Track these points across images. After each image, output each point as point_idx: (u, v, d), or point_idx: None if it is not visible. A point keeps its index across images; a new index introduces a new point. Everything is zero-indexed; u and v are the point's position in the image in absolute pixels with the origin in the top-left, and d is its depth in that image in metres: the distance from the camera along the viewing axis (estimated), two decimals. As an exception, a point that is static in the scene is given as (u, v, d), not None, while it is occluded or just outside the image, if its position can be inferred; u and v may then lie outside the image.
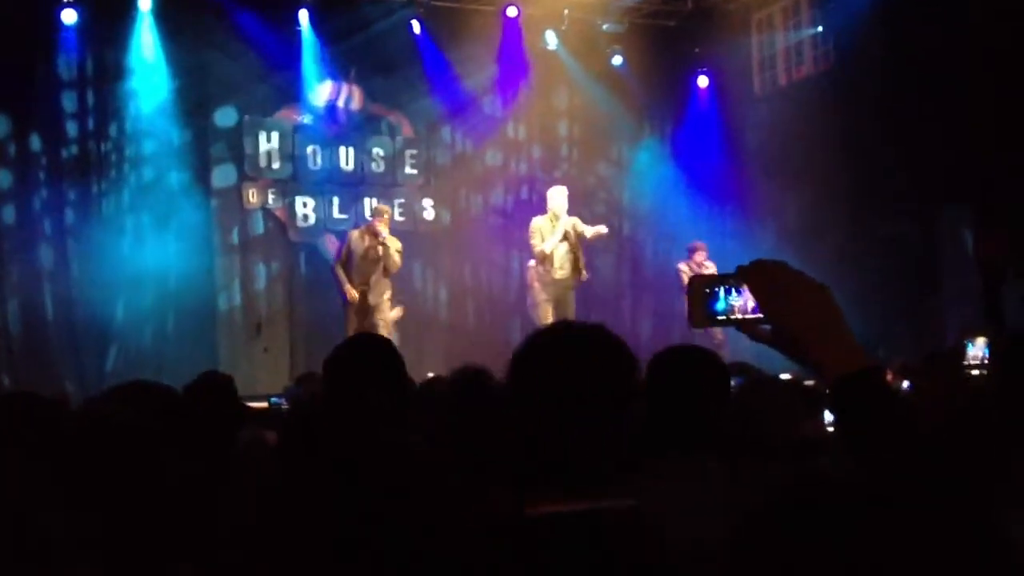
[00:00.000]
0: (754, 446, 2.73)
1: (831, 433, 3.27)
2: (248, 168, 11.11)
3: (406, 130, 11.85)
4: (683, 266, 10.38)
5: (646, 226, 12.71)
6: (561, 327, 2.02)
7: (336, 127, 11.46)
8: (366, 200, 11.33)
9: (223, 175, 11.04)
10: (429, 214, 11.85)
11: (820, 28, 11.59)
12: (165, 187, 10.62)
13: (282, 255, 11.32)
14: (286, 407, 6.00)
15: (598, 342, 1.78)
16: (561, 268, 9.58)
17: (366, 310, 9.50)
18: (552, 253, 9.53)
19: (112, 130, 10.62)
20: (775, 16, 12.23)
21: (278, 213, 11.23)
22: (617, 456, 1.68)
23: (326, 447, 1.55)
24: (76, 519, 1.54)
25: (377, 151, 11.68)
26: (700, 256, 10.36)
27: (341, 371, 3.01)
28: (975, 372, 5.32)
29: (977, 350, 5.89)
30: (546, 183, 10.91)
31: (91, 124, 10.51)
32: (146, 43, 10.48)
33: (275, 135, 11.24)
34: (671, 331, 10.51)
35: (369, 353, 3.13)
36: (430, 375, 5.56)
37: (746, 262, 1.45)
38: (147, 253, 10.33)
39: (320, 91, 11.33)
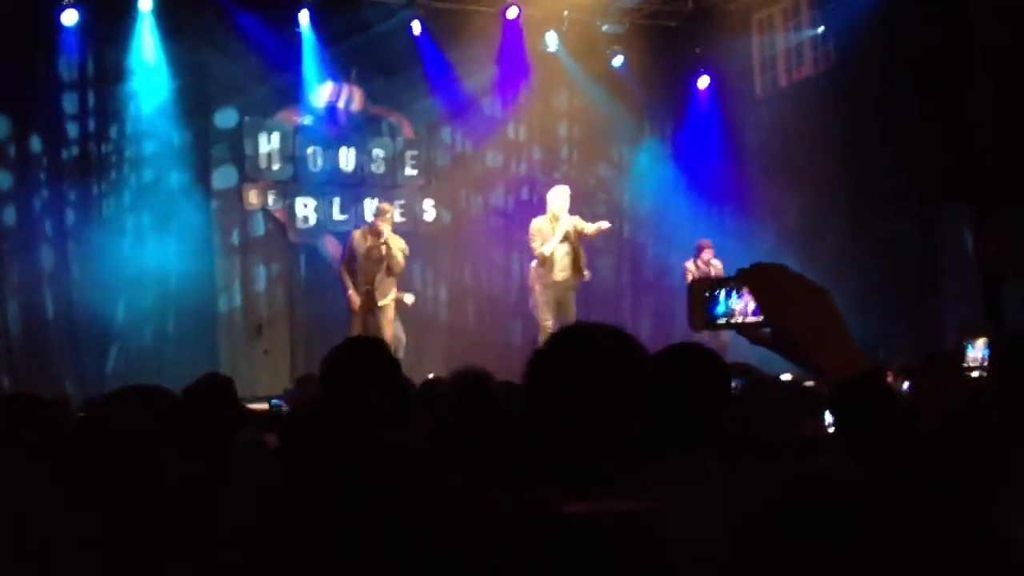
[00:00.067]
0: (754, 446, 2.73)
1: (831, 434, 3.27)
2: (248, 169, 11.11)
3: (406, 131, 11.85)
4: (689, 264, 10.40)
5: (647, 227, 12.71)
6: (580, 328, 2.02)
7: (336, 128, 11.46)
8: (366, 201, 11.33)
9: (223, 176, 11.04)
10: (429, 215, 11.85)
11: (820, 29, 11.59)
12: (165, 188, 10.62)
13: (282, 256, 11.32)
14: (286, 409, 6.01)
15: (618, 343, 1.79)
16: (562, 270, 9.58)
17: (372, 311, 9.49)
18: (552, 255, 9.52)
19: (112, 131, 10.62)
20: (775, 17, 12.23)
21: (278, 214, 11.23)
22: (618, 456, 1.68)
23: (326, 447, 1.55)
24: (76, 519, 1.54)
25: (377, 152, 11.68)
26: (707, 255, 10.37)
27: (337, 373, 3.02)
28: (975, 374, 5.32)
29: (977, 352, 5.90)
30: (546, 184, 10.91)
31: (91, 125, 10.51)
32: (147, 44, 10.48)
33: (275, 136, 11.24)
34: (671, 332, 10.52)
35: (364, 355, 3.14)
36: (430, 376, 5.57)
37: (746, 263, 1.45)
38: (147, 254, 10.33)
39: (321, 92, 11.34)
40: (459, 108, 11.92)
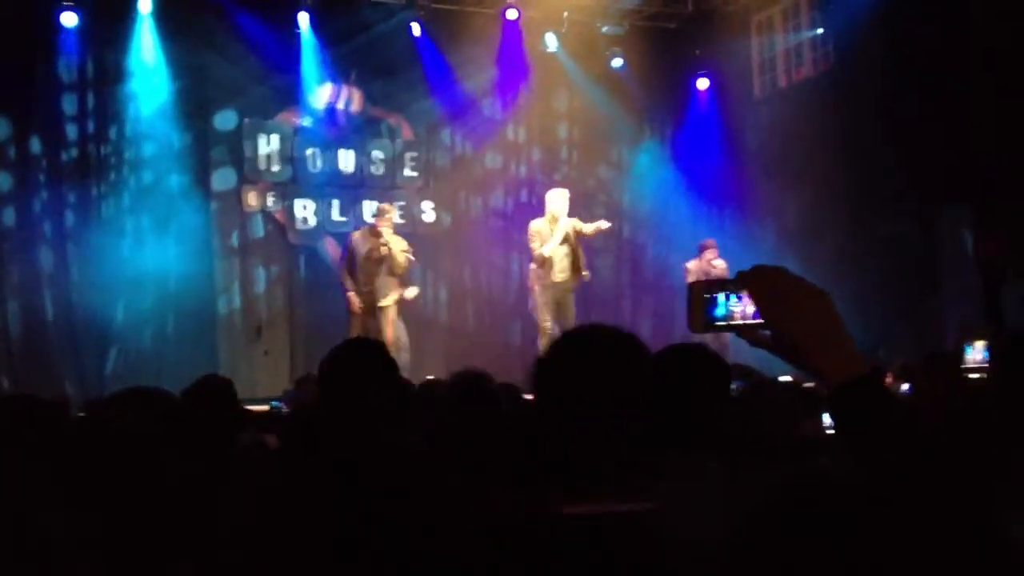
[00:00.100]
0: (754, 446, 2.73)
1: (830, 435, 3.27)
2: (248, 171, 11.11)
3: (406, 132, 11.86)
4: (692, 264, 10.39)
5: (646, 228, 12.72)
6: (581, 330, 2.02)
7: (336, 130, 11.47)
8: (366, 203, 11.33)
9: (223, 178, 11.04)
10: (429, 216, 11.85)
11: (820, 30, 11.60)
12: (165, 190, 10.62)
13: (282, 258, 11.32)
14: (286, 411, 6.01)
15: (618, 344, 1.79)
16: (561, 271, 9.57)
17: (373, 312, 9.47)
18: (551, 256, 9.52)
19: (112, 133, 10.63)
20: (775, 18, 12.24)
21: (278, 216, 11.23)
22: (618, 456, 1.68)
23: (326, 447, 1.55)
24: (76, 519, 1.54)
25: (377, 153, 11.68)
26: (710, 254, 10.36)
27: (336, 374, 3.02)
28: (974, 376, 5.31)
29: (976, 353, 5.89)
30: (546, 185, 10.91)
31: (91, 127, 10.52)
32: (146, 46, 10.49)
33: (275, 138, 11.24)
34: (671, 332, 10.51)
35: (364, 356, 3.14)
36: (430, 377, 5.56)
37: (746, 263, 1.46)
38: (147, 256, 10.33)
39: (320, 94, 11.34)
40: (459, 109, 11.93)
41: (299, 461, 1.62)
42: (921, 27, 9.43)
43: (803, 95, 11.50)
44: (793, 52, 12.00)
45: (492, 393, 3.00)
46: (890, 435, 1.32)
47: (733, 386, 2.73)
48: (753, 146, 12.15)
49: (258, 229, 11.23)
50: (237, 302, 11.10)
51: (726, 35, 12.27)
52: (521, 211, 11.70)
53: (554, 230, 9.55)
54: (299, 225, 11.28)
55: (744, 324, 1.45)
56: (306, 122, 11.36)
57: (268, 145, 11.20)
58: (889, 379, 5.65)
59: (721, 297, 1.47)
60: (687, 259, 10.60)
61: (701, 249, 10.49)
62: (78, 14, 10.10)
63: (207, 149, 10.94)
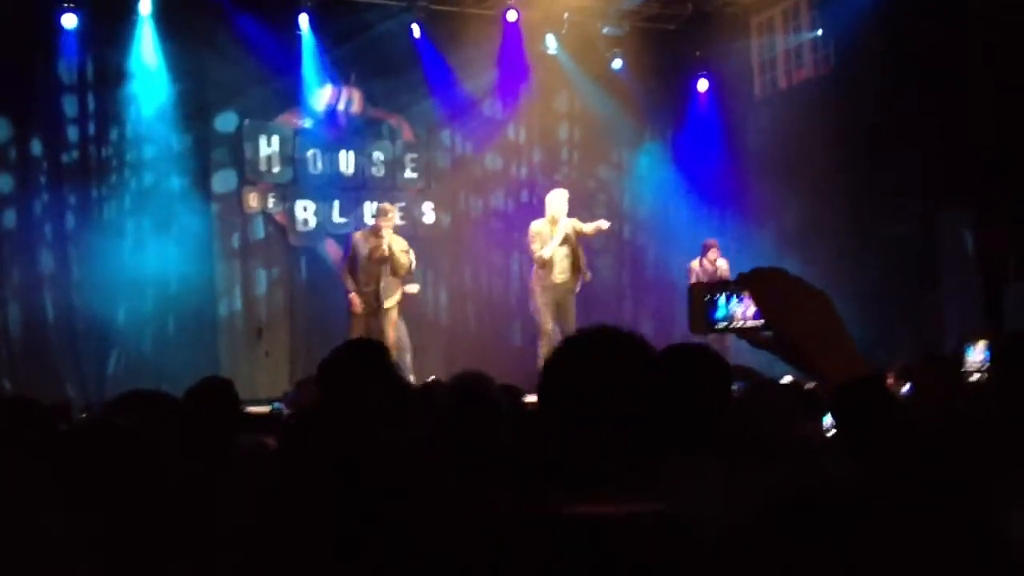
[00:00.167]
0: (755, 447, 2.72)
1: (830, 436, 3.28)
2: (248, 172, 11.10)
3: (406, 134, 11.85)
4: (694, 264, 10.42)
5: (647, 229, 12.72)
6: (581, 332, 2.02)
7: (336, 131, 11.46)
8: (366, 204, 11.32)
9: (223, 180, 11.04)
10: (429, 217, 11.85)
11: (820, 31, 11.60)
12: (165, 192, 10.61)
13: (283, 259, 11.31)
14: (287, 412, 6.01)
15: (619, 344, 1.79)
16: (561, 272, 9.58)
17: (375, 313, 9.45)
18: (552, 257, 9.52)
19: (112, 134, 10.62)
20: (775, 19, 12.24)
21: (278, 217, 11.23)
22: (618, 456, 1.68)
23: (326, 448, 1.55)
24: (76, 519, 1.54)
25: (377, 155, 11.68)
26: (713, 254, 10.42)
27: (336, 375, 3.02)
28: (975, 377, 5.31)
29: (976, 355, 5.88)
30: (546, 186, 10.90)
31: (91, 128, 10.51)
32: (146, 47, 10.48)
33: (275, 139, 11.24)
34: (672, 333, 10.51)
35: (364, 357, 3.14)
36: (430, 378, 5.57)
37: (747, 263, 1.46)
38: (147, 258, 10.32)
39: (320, 95, 11.34)
40: (459, 111, 11.93)
41: (299, 461, 1.62)
42: (920, 27, 9.44)
43: (803, 96, 11.51)
44: (793, 53, 12.00)
45: (492, 394, 3.00)
46: (891, 436, 1.32)
47: (734, 387, 2.73)
48: (753, 147, 12.15)
49: (259, 231, 11.23)
50: (238, 304, 11.09)
51: (726, 36, 12.28)
52: (521, 212, 11.70)
53: (554, 231, 9.56)
54: (300, 227, 11.28)
55: (745, 326, 1.45)
56: (307, 123, 11.35)
57: (269, 147, 11.20)
58: (890, 380, 5.65)
59: (722, 299, 1.47)
60: (688, 260, 10.63)
61: (704, 248, 10.54)
62: (78, 15, 10.09)
63: (207, 151, 10.93)
